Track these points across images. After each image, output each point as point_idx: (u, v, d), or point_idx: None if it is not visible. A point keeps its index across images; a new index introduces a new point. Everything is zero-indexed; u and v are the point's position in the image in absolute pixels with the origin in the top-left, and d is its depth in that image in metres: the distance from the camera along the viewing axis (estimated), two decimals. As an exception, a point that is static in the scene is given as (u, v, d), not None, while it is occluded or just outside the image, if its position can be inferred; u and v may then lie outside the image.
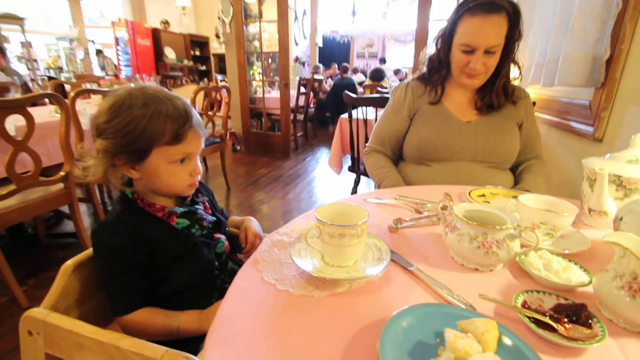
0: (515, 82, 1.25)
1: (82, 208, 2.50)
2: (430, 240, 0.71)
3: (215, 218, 0.81)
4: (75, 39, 7.59)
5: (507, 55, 1.09)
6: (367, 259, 0.59)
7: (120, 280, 0.67)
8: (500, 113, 1.17)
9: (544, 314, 0.46)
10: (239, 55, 4.25)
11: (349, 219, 0.57)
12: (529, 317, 0.46)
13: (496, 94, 1.15)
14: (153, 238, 0.68)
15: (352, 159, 2.44)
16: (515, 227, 0.57)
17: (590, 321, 0.45)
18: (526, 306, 0.50)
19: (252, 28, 4.41)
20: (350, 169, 2.47)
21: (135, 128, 0.63)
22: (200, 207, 0.79)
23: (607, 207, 0.72)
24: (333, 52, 10.23)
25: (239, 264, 0.87)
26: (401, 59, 9.39)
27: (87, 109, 2.24)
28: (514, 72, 1.17)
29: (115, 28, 7.11)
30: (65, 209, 1.85)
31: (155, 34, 7.34)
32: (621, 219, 0.60)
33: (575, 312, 0.47)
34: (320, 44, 8.60)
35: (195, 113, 0.69)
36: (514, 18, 1.03)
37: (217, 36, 7.90)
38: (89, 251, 0.71)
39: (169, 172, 0.68)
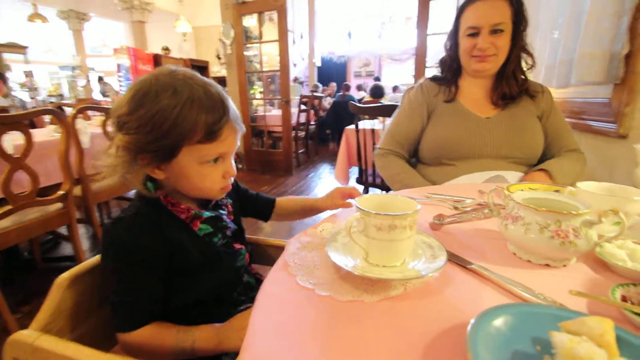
0: (530, 75, 1.20)
1: (81, 230, 2.40)
2: (481, 236, 0.62)
3: (236, 226, 0.72)
4: (77, 67, 7.70)
5: (515, 41, 1.06)
6: (417, 257, 0.50)
7: (132, 287, 0.56)
8: (518, 107, 1.12)
9: (656, 311, 0.37)
10: (240, 75, 4.28)
11: (395, 210, 0.49)
12: (636, 314, 0.37)
13: (506, 80, 1.10)
14: (175, 240, 0.59)
15: (360, 170, 2.37)
16: (592, 212, 0.49)
17: None
18: (627, 301, 0.40)
19: (252, 51, 4.47)
20: (358, 181, 2.39)
21: (163, 122, 0.52)
22: (224, 212, 0.70)
23: (675, 193, 0.63)
24: (331, 72, 10.40)
25: (256, 277, 0.77)
26: (398, 77, 9.52)
27: (88, 128, 2.18)
28: (527, 62, 1.15)
29: (117, 55, 7.22)
30: (63, 230, 1.76)
31: (156, 59, 7.44)
32: None
33: (692, 307, 0.38)
34: (319, 64, 8.74)
35: (232, 104, 0.59)
36: (517, 4, 1.04)
37: (218, 57, 8.03)
38: (88, 263, 0.62)
39: (199, 174, 0.58)
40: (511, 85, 1.11)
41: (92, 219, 2.07)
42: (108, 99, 4.89)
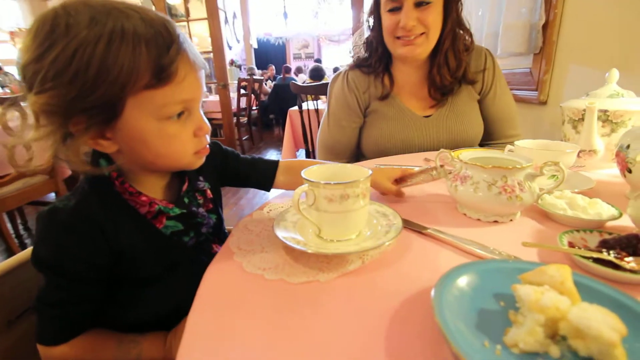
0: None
1: (-11, 245, 2.05)
2: (431, 201, 0.62)
3: (215, 218, 0.58)
4: (-36, 55, 6.47)
5: (447, 15, 0.88)
6: (372, 228, 0.47)
7: (61, 297, 0.44)
8: (459, 95, 0.99)
9: (600, 252, 0.39)
10: (169, 59, 3.92)
11: (346, 179, 0.44)
12: (586, 258, 0.38)
13: (438, 67, 0.93)
14: (125, 246, 0.46)
15: (307, 152, 2.32)
16: (533, 166, 0.49)
17: (649, 251, 0.38)
18: (574, 247, 0.41)
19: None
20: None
21: (88, 64, 0.36)
22: (200, 201, 0.55)
23: (597, 144, 0.69)
24: (269, 54, 10.07)
25: None
26: (338, 59, 9.55)
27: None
28: (465, 40, 0.96)
29: (16, 39, 6.20)
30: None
31: (66, 44, 6.53)
32: (628, 146, 0.56)
33: (629, 245, 0.39)
34: (255, 46, 8.41)
35: (183, 35, 0.43)
36: None
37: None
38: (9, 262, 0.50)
39: (162, 135, 0.43)
40: (443, 76, 0.94)
41: (3, 230, 1.78)
42: (7, 91, 4.20)
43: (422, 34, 0.88)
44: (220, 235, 0.60)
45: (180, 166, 0.49)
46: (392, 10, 0.87)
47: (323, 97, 2.44)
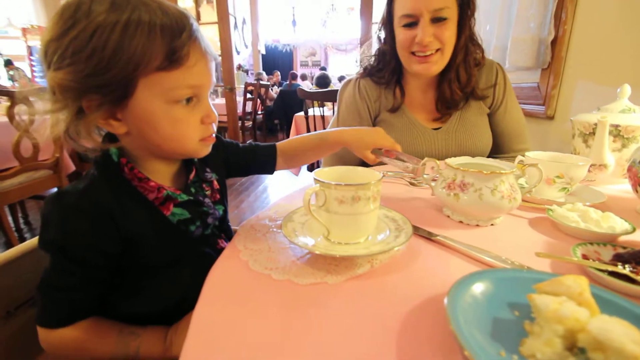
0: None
1: (-11, 237, 2.05)
2: (419, 206, 0.61)
3: (222, 210, 0.58)
4: (-25, 50, 6.55)
5: (461, 30, 0.88)
6: (381, 232, 0.47)
7: (64, 280, 0.44)
8: (468, 109, 0.98)
9: (615, 265, 0.38)
10: (178, 60, 3.95)
11: (356, 182, 0.44)
12: (601, 271, 0.37)
13: (448, 82, 0.92)
14: (134, 234, 0.46)
15: (311, 158, 2.32)
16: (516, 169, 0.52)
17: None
18: (588, 260, 0.41)
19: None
20: (310, 169, 2.35)
21: (105, 44, 0.39)
22: (207, 191, 0.56)
23: (608, 159, 0.68)
24: (276, 61, 10.17)
25: None
26: (344, 67, 9.63)
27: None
28: (476, 56, 0.95)
29: (28, 36, 6.28)
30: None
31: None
32: (640, 161, 0.55)
33: (644, 260, 0.39)
34: (263, 52, 8.50)
35: (197, 25, 0.45)
36: None
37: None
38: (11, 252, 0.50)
39: (170, 118, 0.44)
40: (453, 90, 0.93)
41: (4, 224, 1.77)
42: (16, 85, 4.24)
43: (438, 50, 0.87)
44: (225, 230, 0.60)
45: (186, 152, 0.49)
46: (407, 26, 0.86)
47: (329, 103, 2.45)
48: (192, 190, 0.54)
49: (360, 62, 1.11)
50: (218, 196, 0.58)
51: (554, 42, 1.46)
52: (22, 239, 2.16)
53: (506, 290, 0.33)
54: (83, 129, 0.43)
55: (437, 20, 0.83)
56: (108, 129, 0.45)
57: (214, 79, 0.48)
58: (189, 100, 0.45)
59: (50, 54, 0.40)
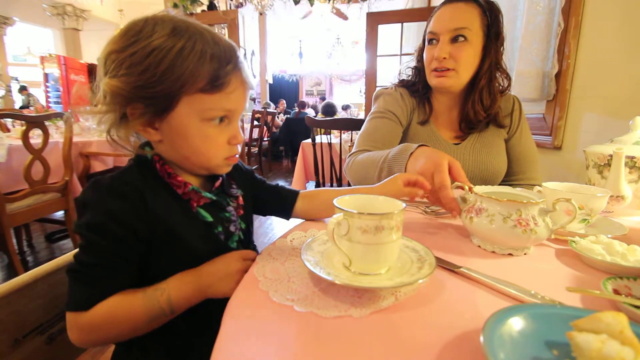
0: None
1: (-8, 260, 2.03)
2: (444, 230, 0.60)
3: (245, 226, 0.60)
4: (-5, 76, 6.83)
5: (486, 54, 0.91)
6: (402, 263, 0.46)
7: (96, 260, 0.45)
8: (487, 131, 1.04)
9: (650, 303, 0.36)
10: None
11: (378, 211, 0.44)
12: (636, 307, 0.36)
13: (472, 103, 0.96)
14: (164, 220, 0.48)
15: (317, 184, 2.33)
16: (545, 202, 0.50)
17: None
18: (620, 295, 0.39)
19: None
20: (317, 186, 2.35)
21: (160, 62, 0.44)
22: (232, 204, 0.58)
23: (625, 190, 0.68)
24: (282, 90, 10.47)
25: None
26: (348, 96, 9.88)
27: (5, 140, 1.89)
28: (502, 83, 1.00)
29: (45, 64, 6.54)
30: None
31: (91, 69, 6.87)
32: (662, 194, 0.55)
33: (679, 297, 0.37)
34: (270, 81, 8.76)
35: (242, 58, 0.50)
36: (489, 12, 0.90)
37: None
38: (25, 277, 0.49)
39: (201, 134, 0.49)
40: (477, 112, 0.97)
41: (8, 246, 1.76)
42: (32, 109, 4.35)
43: (452, 69, 0.92)
44: (249, 246, 0.61)
45: (210, 167, 0.53)
46: (430, 43, 0.95)
47: (335, 132, 2.49)
48: (217, 192, 0.57)
49: (399, 73, 1.19)
50: (242, 212, 0.60)
51: (558, 75, 1.49)
52: (25, 262, 2.14)
53: (541, 327, 0.32)
54: (123, 132, 0.49)
55: (456, 39, 0.90)
56: (144, 135, 0.50)
57: (247, 105, 0.53)
58: (221, 120, 0.50)
59: (109, 64, 0.45)
